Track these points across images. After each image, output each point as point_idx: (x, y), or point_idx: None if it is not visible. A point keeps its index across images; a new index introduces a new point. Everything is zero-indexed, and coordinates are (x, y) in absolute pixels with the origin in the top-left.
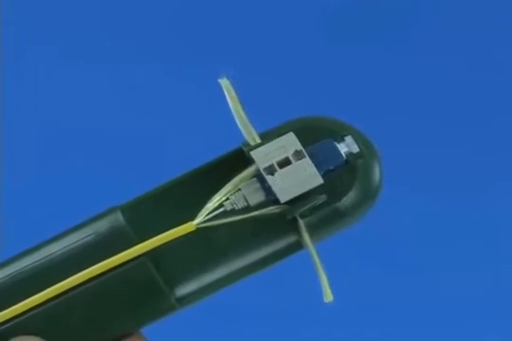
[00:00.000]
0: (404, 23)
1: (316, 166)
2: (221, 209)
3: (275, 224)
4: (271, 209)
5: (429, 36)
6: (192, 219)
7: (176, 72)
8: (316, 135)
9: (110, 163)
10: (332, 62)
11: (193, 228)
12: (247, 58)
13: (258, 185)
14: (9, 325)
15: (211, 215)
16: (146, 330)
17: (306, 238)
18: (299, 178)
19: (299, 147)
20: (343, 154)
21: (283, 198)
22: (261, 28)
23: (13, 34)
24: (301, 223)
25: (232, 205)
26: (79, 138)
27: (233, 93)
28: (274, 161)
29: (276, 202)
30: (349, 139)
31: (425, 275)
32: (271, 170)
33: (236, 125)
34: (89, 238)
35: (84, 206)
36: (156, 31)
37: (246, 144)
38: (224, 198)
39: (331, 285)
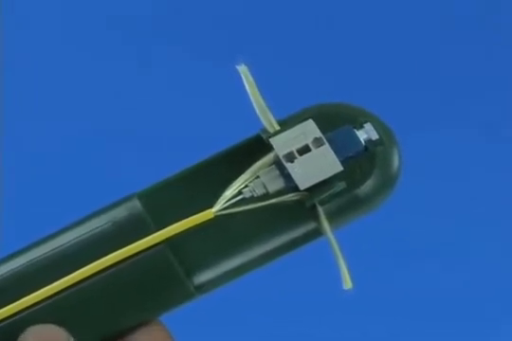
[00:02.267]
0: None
1: (335, 153)
2: (240, 197)
3: (294, 212)
4: (290, 196)
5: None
6: (211, 206)
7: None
8: (335, 122)
9: (114, 160)
10: (347, 49)
11: (212, 216)
12: (262, 46)
13: (277, 172)
14: (25, 314)
15: (230, 202)
16: (164, 317)
17: (325, 225)
18: (318, 165)
19: (318, 134)
20: (362, 141)
21: (303, 185)
22: (275, 18)
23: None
24: (321, 210)
25: (251, 192)
26: (77, 138)
27: (251, 79)
28: (293, 148)
29: (295, 189)
30: (368, 126)
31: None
32: (290, 158)
33: (254, 112)
34: (106, 225)
35: (85, 204)
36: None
37: (265, 131)
38: (242, 185)
39: (350, 272)
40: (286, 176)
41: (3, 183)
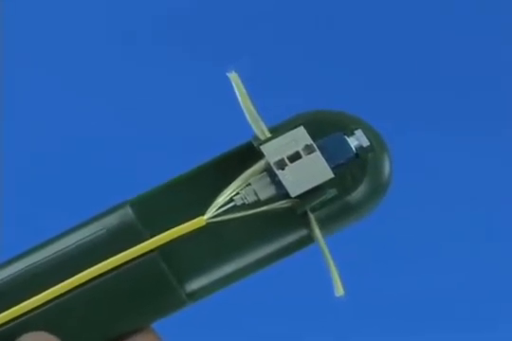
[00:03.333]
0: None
1: (326, 160)
2: (231, 204)
3: (285, 219)
4: (281, 204)
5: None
6: (203, 214)
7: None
8: (325, 129)
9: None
10: (336, 57)
11: (204, 223)
12: (261, 47)
13: (268, 179)
14: (19, 321)
15: (222, 210)
16: (157, 324)
17: (317, 232)
18: (309, 172)
19: (309, 141)
20: (353, 148)
21: (294, 192)
22: (274, 20)
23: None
24: (312, 217)
25: (242, 199)
26: (77, 137)
27: (242, 87)
28: (284, 155)
29: (286, 196)
30: (359, 133)
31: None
32: (281, 165)
33: (245, 119)
34: (99, 233)
35: (83, 204)
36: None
37: (256, 138)
38: (234, 193)
39: (342, 279)
40: (277, 183)
41: (3, 182)
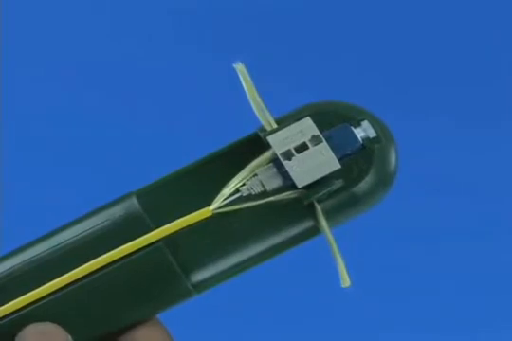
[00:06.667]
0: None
1: (333, 151)
2: (237, 195)
3: (292, 210)
4: (288, 194)
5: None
6: (209, 204)
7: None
8: (332, 120)
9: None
10: (342, 49)
11: (210, 214)
12: (259, 44)
13: (275, 170)
14: (24, 312)
15: (228, 200)
16: (163, 315)
17: (323, 222)
18: (316, 163)
19: (316, 132)
20: (360, 139)
21: (301, 183)
22: (274, 15)
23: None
24: (318, 207)
25: (249, 190)
26: (77, 135)
27: (248, 78)
28: (291, 146)
29: (293, 187)
30: (365, 124)
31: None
32: (288, 155)
33: (252, 110)
34: (104, 224)
35: (84, 205)
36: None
37: (263, 129)
38: (240, 183)
39: (348, 270)
40: (284, 174)
41: (3, 181)
